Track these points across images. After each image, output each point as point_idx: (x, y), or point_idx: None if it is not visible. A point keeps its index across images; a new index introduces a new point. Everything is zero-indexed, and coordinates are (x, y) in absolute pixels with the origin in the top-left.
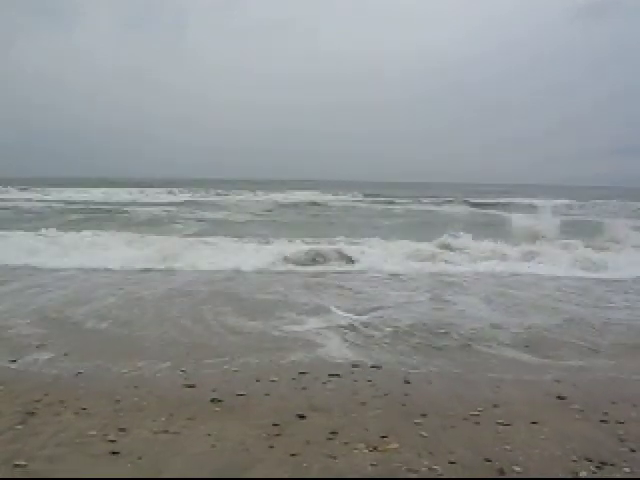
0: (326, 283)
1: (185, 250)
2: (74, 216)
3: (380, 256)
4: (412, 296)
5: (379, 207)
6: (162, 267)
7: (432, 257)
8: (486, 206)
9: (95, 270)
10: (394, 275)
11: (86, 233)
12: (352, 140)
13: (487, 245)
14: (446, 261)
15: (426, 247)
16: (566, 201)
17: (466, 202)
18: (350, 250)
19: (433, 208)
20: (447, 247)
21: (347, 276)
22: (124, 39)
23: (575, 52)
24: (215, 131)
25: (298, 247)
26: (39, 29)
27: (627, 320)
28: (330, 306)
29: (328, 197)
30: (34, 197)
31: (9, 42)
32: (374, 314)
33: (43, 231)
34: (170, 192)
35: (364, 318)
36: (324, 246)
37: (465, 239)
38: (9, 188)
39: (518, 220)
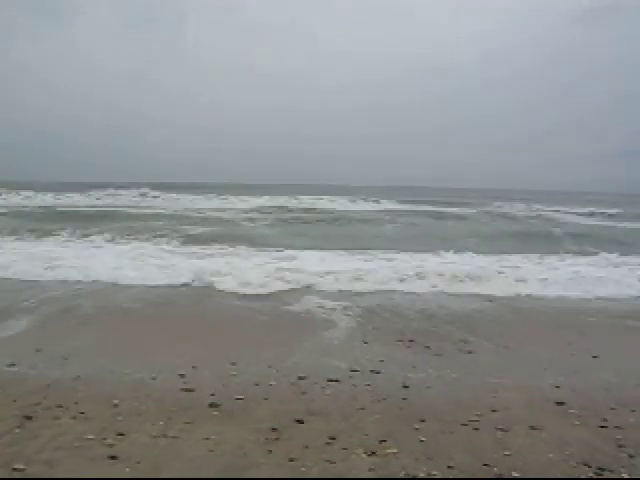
0: None
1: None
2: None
3: None
4: None
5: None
6: None
7: None
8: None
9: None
10: None
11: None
12: (353, 142)
13: None
14: None
15: None
16: (620, 210)
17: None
18: None
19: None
20: None
21: None
22: (125, 39)
23: (576, 55)
24: (216, 132)
25: None
26: (39, 29)
27: None
28: None
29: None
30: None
31: (9, 41)
32: None
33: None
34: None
35: None
36: None
37: None
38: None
39: None
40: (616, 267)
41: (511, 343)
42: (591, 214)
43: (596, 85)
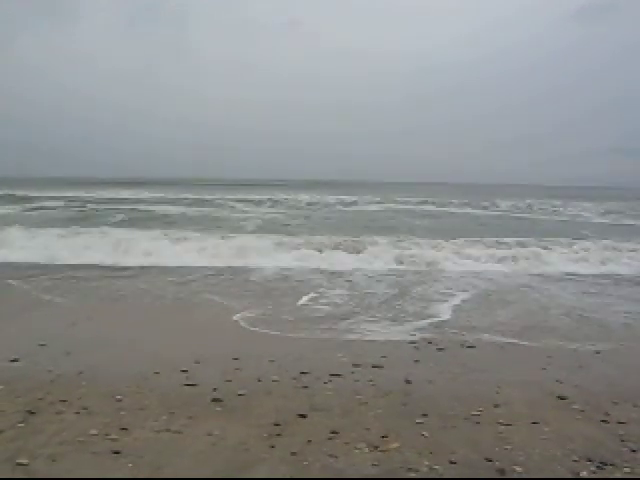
0: None
1: None
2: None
3: None
4: None
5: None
6: None
7: None
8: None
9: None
10: None
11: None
12: (355, 140)
13: None
14: None
15: None
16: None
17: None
18: None
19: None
20: None
21: None
22: (127, 38)
23: (575, 55)
24: (217, 131)
25: None
26: (41, 27)
27: None
28: None
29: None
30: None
31: (11, 39)
32: None
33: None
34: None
35: None
36: None
37: None
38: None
39: None
40: None
41: None
42: None
43: (595, 84)
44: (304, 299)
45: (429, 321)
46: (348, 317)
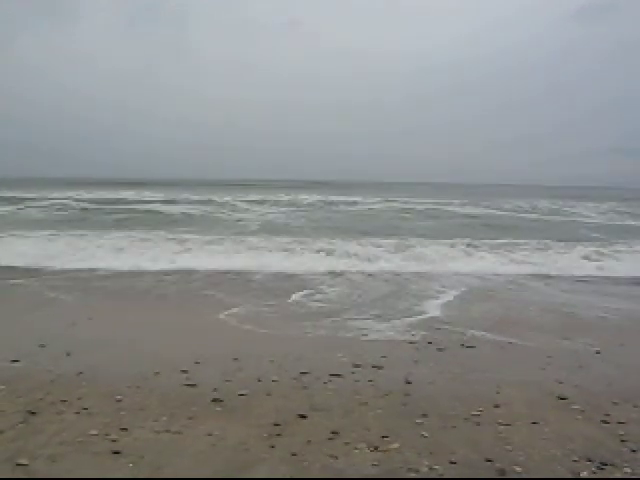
0: None
1: None
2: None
3: None
4: None
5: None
6: None
7: None
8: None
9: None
10: None
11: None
12: (355, 140)
13: None
14: None
15: None
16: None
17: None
18: None
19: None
20: None
21: None
22: (127, 38)
23: (575, 54)
24: (217, 131)
25: None
26: (41, 26)
27: None
28: None
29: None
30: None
31: (11, 39)
32: None
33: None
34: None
35: None
36: None
37: None
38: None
39: None
40: None
41: None
42: None
43: (595, 84)
44: (299, 296)
45: (429, 321)
46: (347, 316)
